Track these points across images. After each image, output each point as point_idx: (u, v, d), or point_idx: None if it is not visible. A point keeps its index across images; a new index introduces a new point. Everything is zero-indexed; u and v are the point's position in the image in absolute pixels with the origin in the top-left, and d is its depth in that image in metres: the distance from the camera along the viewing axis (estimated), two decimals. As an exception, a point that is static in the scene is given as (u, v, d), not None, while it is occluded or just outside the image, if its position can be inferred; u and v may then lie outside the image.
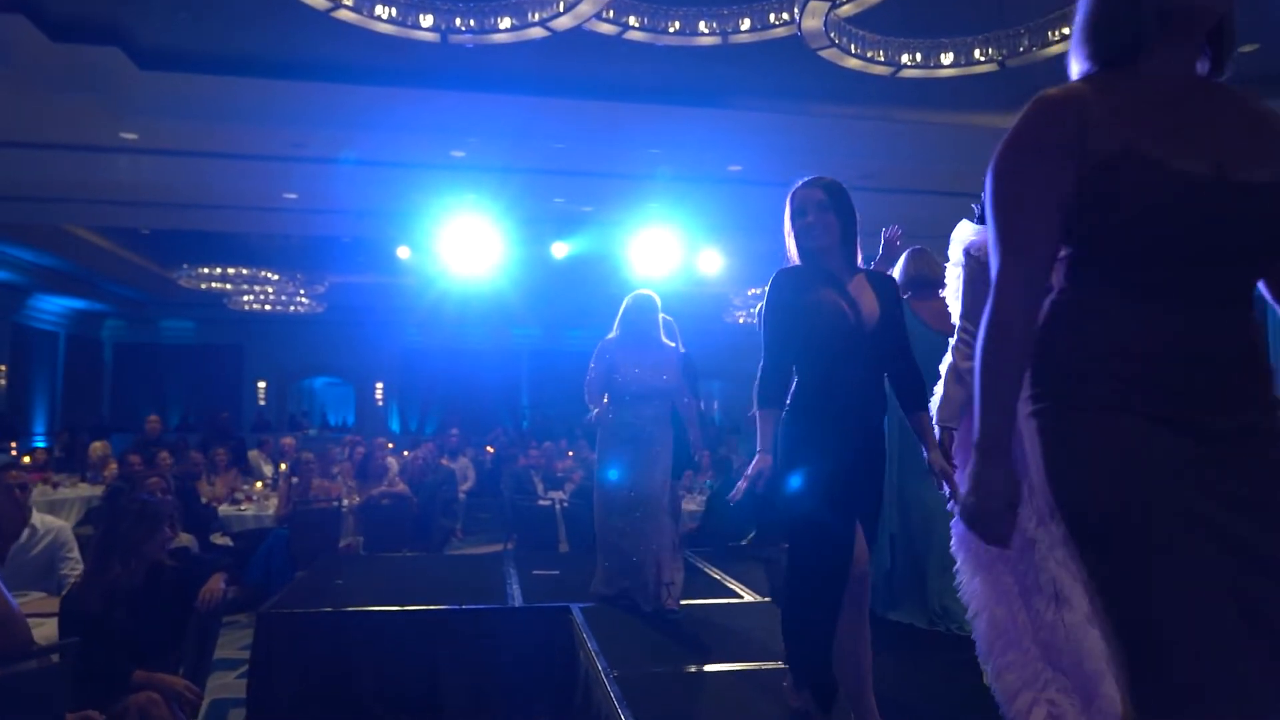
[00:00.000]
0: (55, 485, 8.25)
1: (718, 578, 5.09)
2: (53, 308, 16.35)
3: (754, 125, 8.24)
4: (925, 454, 2.53)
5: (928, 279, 3.76)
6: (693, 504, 7.51)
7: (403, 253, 11.47)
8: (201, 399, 17.73)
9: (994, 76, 6.57)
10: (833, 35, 5.90)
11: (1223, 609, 1.19)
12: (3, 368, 14.79)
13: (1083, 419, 1.31)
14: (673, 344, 4.43)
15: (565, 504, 7.33)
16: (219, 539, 6.84)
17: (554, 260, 11.09)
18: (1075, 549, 1.30)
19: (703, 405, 4.97)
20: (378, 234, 11.38)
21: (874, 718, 2.52)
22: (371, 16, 5.52)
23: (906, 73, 6.34)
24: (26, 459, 9.32)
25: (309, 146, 8.24)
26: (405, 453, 10.38)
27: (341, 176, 8.74)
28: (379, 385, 18.98)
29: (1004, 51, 6.05)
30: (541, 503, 7.62)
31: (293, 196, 9.67)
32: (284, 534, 6.51)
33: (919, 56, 6.23)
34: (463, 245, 9.26)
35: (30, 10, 6.32)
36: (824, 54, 6.15)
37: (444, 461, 10.00)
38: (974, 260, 2.65)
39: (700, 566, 5.34)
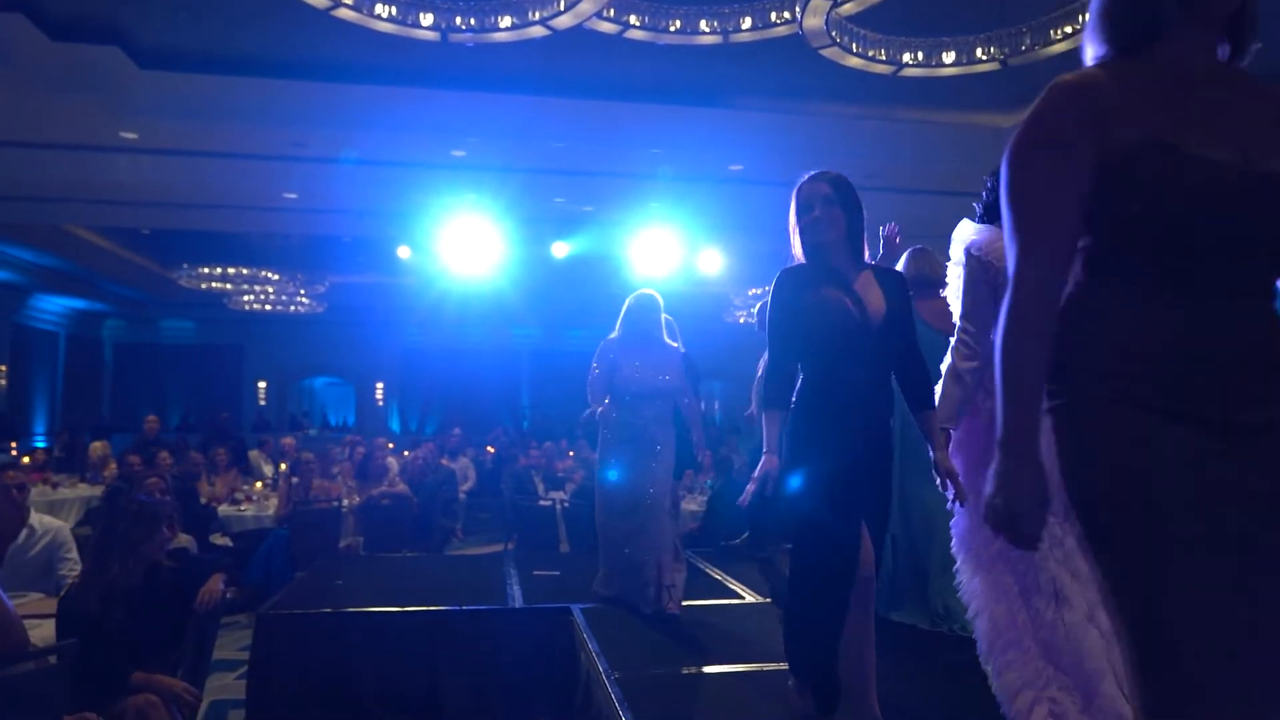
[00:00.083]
0: (55, 485, 8.23)
1: (719, 578, 5.08)
2: (53, 308, 16.35)
3: (755, 125, 8.23)
4: (931, 454, 2.50)
5: (929, 278, 3.75)
6: (693, 504, 7.50)
7: (403, 252, 11.47)
8: (201, 399, 17.73)
9: (996, 75, 6.55)
10: (834, 34, 5.88)
11: (1234, 611, 1.17)
12: (3, 368, 14.78)
13: (1099, 416, 1.28)
14: (675, 344, 4.41)
15: (566, 504, 7.31)
16: (218, 539, 6.83)
17: (554, 260, 11.08)
18: (1089, 549, 1.28)
19: (702, 405, 4.95)
20: (378, 234, 11.38)
21: (876, 720, 2.51)
22: (371, 15, 5.50)
23: (908, 72, 6.33)
24: (26, 459, 9.31)
25: (309, 146, 8.23)
26: (405, 453, 10.37)
27: (342, 176, 8.74)
28: (379, 385, 18.98)
29: (1006, 50, 6.04)
30: (542, 503, 7.60)
31: (293, 196, 9.66)
32: (284, 534, 6.50)
33: (921, 55, 6.22)
34: (463, 245, 9.26)
35: (30, 9, 6.31)
36: (825, 53, 6.14)
37: (444, 461, 9.98)
38: (975, 260, 2.63)
39: (701, 567, 5.33)
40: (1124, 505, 1.24)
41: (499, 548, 7.26)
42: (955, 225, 2.79)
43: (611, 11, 5.77)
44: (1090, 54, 1.43)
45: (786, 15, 5.82)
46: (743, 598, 4.62)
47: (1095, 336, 1.31)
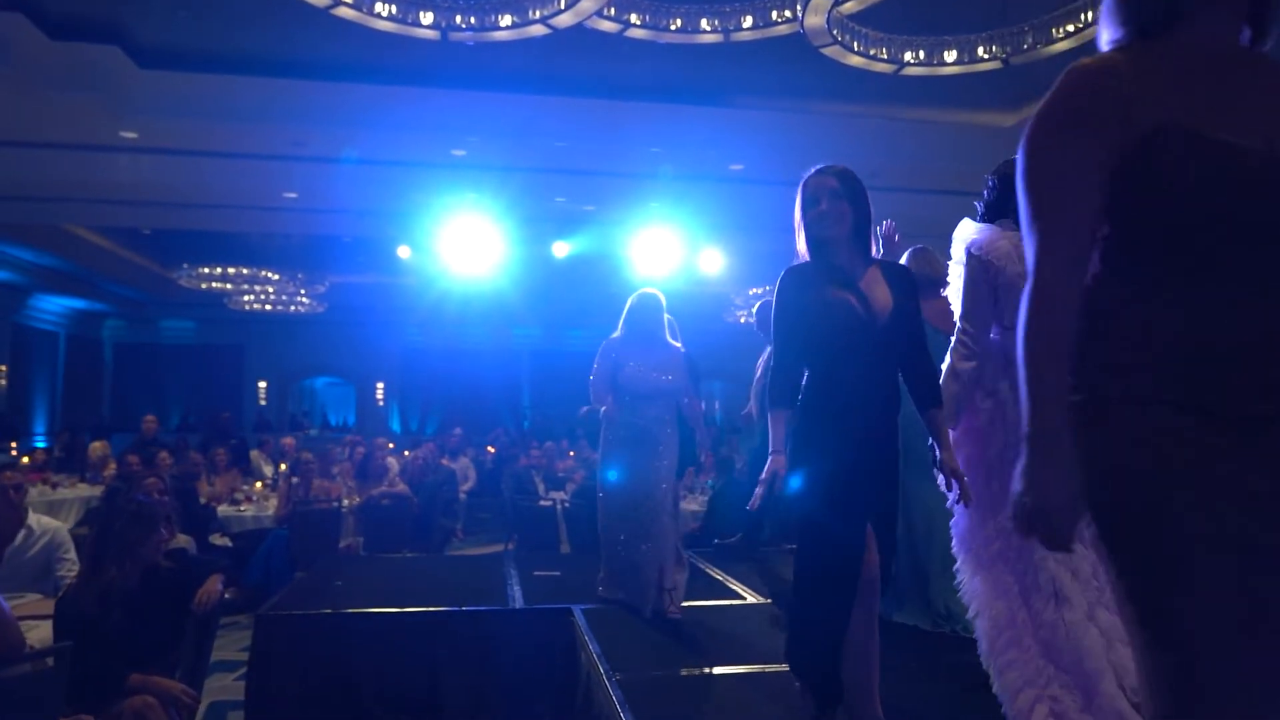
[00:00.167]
0: (54, 486, 8.22)
1: (720, 579, 5.06)
2: (53, 308, 16.34)
3: (756, 124, 8.22)
4: (938, 453, 2.47)
5: (930, 278, 3.73)
6: (694, 504, 7.48)
7: (403, 252, 11.46)
8: (202, 399, 17.72)
9: (998, 74, 6.54)
10: (835, 33, 5.87)
11: (1244, 612, 1.15)
12: (3, 368, 14.78)
13: (1116, 414, 1.24)
14: (677, 344, 4.39)
15: (566, 504, 7.29)
16: (218, 540, 6.81)
17: (555, 260, 11.07)
18: (1105, 552, 1.25)
19: (703, 405, 4.93)
20: (378, 233, 11.37)
21: (878, 722, 2.49)
22: (371, 14, 5.49)
23: (910, 70, 6.31)
24: (25, 459, 9.30)
25: (309, 145, 8.23)
26: (406, 453, 10.36)
27: (342, 176, 8.73)
28: (380, 385, 18.97)
29: (1008, 49, 6.02)
30: (543, 503, 7.58)
31: (293, 196, 9.65)
32: (283, 534, 6.48)
33: (922, 54, 6.20)
34: (463, 245, 9.25)
35: (29, 9, 6.30)
36: (826, 51, 6.12)
37: (444, 461, 9.97)
38: (975, 259, 2.62)
39: (702, 567, 5.31)
40: (1144, 511, 1.20)
41: (499, 548, 7.25)
42: (956, 224, 2.77)
43: (612, 10, 5.76)
44: (1106, 37, 1.39)
45: (788, 14, 5.81)
46: (744, 598, 4.60)
47: (1113, 330, 1.27)
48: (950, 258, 2.77)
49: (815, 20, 5.68)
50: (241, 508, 7.26)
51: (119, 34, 6.84)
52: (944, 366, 2.73)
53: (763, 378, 5.37)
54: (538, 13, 5.61)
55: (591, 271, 11.94)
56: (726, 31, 5.99)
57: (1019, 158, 1.33)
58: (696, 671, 3.38)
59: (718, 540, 6.29)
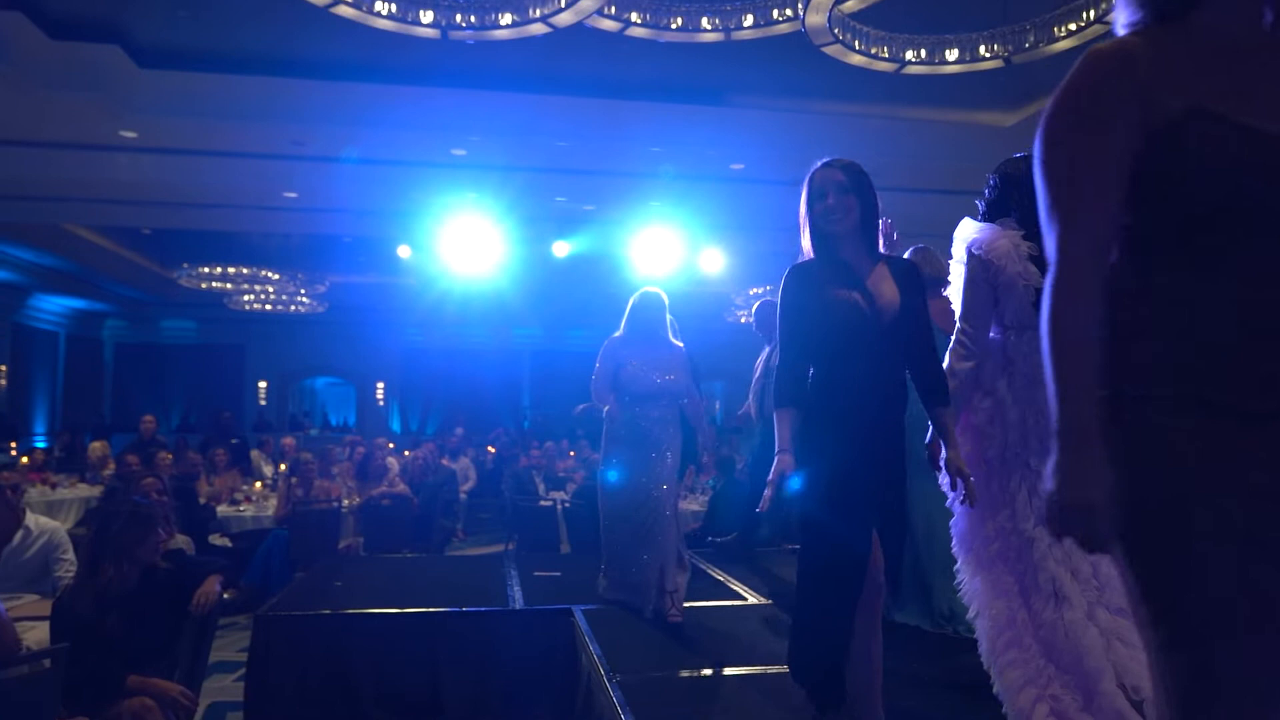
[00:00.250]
0: (54, 486, 8.21)
1: (721, 579, 5.04)
2: (53, 308, 16.34)
3: (757, 123, 8.20)
4: (944, 451, 2.45)
5: (931, 277, 3.71)
6: (694, 504, 7.47)
7: (403, 252, 11.45)
8: (202, 399, 17.72)
9: (998, 74, 6.51)
10: (837, 31, 5.84)
11: (1266, 616, 1.13)
12: (3, 368, 14.77)
13: (1139, 412, 1.21)
14: (680, 344, 4.37)
15: (567, 504, 7.29)
16: (217, 540, 6.80)
17: (555, 259, 11.06)
18: (1123, 554, 1.21)
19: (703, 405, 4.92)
20: (378, 233, 11.36)
21: (880, 724, 2.47)
22: (371, 13, 5.46)
23: (911, 69, 6.28)
24: (25, 459, 9.29)
25: (309, 145, 8.21)
26: (406, 453, 10.35)
27: (342, 175, 8.71)
28: (380, 385, 18.97)
29: (1010, 48, 5.99)
30: (543, 503, 7.57)
31: (293, 195, 9.64)
32: (283, 535, 6.47)
33: (924, 53, 6.17)
34: (464, 244, 9.24)
35: (29, 8, 6.29)
36: (828, 50, 6.09)
37: (445, 462, 9.96)
38: (976, 259, 2.61)
39: (703, 568, 5.29)
40: (1153, 506, 1.18)
41: (499, 548, 7.23)
42: (957, 224, 2.76)
43: (613, 9, 5.73)
44: (1123, 20, 1.34)
45: (789, 12, 5.78)
46: (745, 599, 4.59)
47: (1129, 323, 1.24)
48: (951, 257, 2.76)
49: (816, 19, 5.65)
50: (241, 508, 7.25)
51: (119, 33, 6.82)
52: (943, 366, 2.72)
53: (761, 378, 5.35)
54: (538, 11, 5.58)
55: (592, 271, 11.93)
56: (727, 30, 5.96)
57: (1036, 146, 1.29)
58: (697, 673, 3.37)
59: (710, 538, 6.27)
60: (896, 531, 2.52)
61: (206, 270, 13.02)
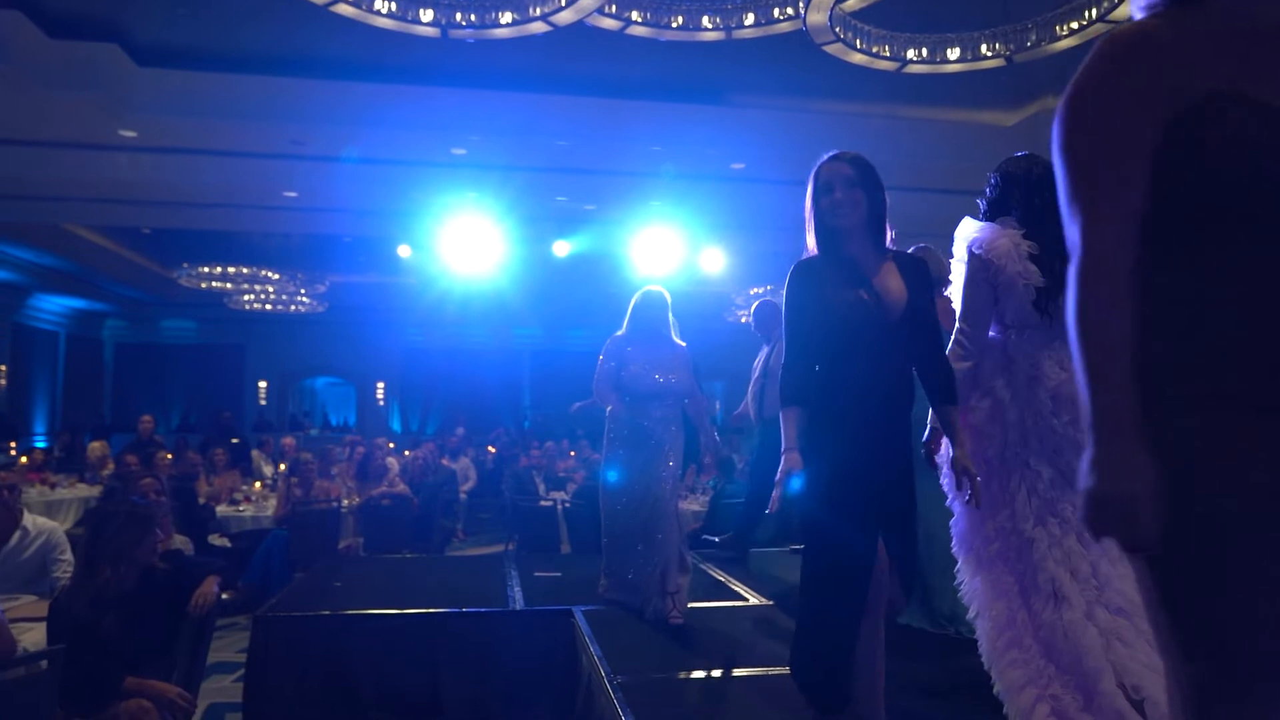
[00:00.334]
0: (53, 486, 8.20)
1: (722, 580, 5.03)
2: (53, 307, 16.33)
3: (757, 122, 8.19)
4: (950, 450, 2.43)
5: (933, 277, 3.70)
6: (695, 504, 7.46)
7: (404, 252, 11.45)
8: (202, 399, 17.71)
9: (999, 73, 6.50)
10: (838, 30, 5.83)
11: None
12: (3, 368, 14.76)
13: (1149, 411, 1.17)
14: (683, 343, 4.35)
15: (567, 505, 7.27)
16: (217, 540, 6.79)
17: (556, 259, 11.05)
18: (1143, 559, 1.18)
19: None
20: (379, 233, 11.35)
21: (882, 726, 2.45)
22: (371, 12, 5.45)
23: (912, 68, 6.26)
24: (24, 459, 9.28)
25: (309, 144, 8.20)
26: (406, 453, 10.34)
27: (342, 175, 8.70)
28: (380, 385, 18.96)
29: (1011, 47, 5.97)
30: (543, 503, 7.56)
31: (293, 195, 9.62)
32: (283, 535, 6.46)
33: (925, 51, 6.15)
34: (464, 244, 9.23)
35: (28, 7, 6.28)
36: (829, 49, 6.08)
37: (445, 462, 9.95)
38: (977, 258, 2.59)
39: (704, 569, 5.28)
40: (1172, 505, 1.13)
41: (500, 548, 7.22)
42: (958, 223, 2.75)
43: (613, 7, 5.72)
44: (1142, 2, 1.30)
45: (790, 11, 5.77)
46: (746, 600, 4.57)
47: (1148, 315, 1.20)
48: (952, 256, 2.75)
49: (818, 17, 5.64)
50: (240, 508, 7.23)
51: (118, 32, 6.81)
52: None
53: (760, 379, 5.33)
54: (538, 10, 5.57)
55: (592, 271, 11.92)
56: (728, 29, 5.95)
57: (1055, 133, 1.25)
58: (698, 674, 3.35)
59: (705, 536, 6.25)
60: (906, 532, 2.44)
61: (206, 270, 13.02)
